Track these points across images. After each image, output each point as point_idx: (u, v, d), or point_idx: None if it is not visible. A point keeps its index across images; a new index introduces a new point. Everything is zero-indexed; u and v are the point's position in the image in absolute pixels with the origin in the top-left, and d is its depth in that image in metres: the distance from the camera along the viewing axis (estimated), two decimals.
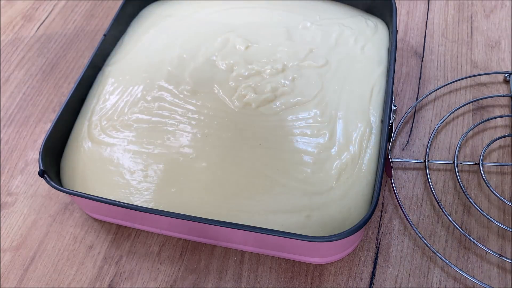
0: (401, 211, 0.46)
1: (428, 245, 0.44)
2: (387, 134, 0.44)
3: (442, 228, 0.46)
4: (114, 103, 0.51)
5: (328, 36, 0.56)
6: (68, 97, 0.49)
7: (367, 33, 0.56)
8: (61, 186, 0.45)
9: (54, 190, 0.49)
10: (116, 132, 0.49)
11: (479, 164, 0.48)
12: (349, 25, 0.57)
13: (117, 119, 0.50)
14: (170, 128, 0.49)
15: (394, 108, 0.47)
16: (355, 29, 0.56)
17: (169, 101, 0.51)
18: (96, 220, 0.48)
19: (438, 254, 0.43)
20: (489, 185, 0.47)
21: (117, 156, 0.47)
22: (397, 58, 0.59)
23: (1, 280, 0.45)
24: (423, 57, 0.59)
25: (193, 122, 0.49)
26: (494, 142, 0.50)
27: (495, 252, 0.43)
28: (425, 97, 0.55)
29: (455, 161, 0.48)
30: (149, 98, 0.51)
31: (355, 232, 0.39)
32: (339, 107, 0.49)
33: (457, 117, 0.53)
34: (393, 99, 0.47)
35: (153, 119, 0.50)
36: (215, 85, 0.52)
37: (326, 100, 0.50)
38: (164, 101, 0.51)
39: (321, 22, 0.57)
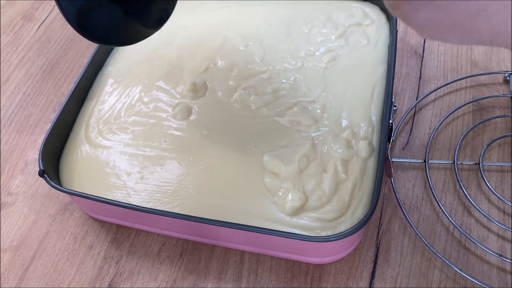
0: (401, 211, 0.46)
1: (428, 245, 0.44)
2: (387, 134, 0.44)
3: (442, 228, 0.46)
4: (112, 105, 0.51)
5: (343, 21, 0.56)
6: (68, 97, 0.49)
7: (383, 20, 0.56)
8: (61, 186, 0.45)
9: (54, 190, 0.48)
10: (113, 135, 0.49)
11: (479, 164, 0.48)
12: (370, 7, 0.57)
13: (113, 122, 0.50)
14: (167, 130, 0.49)
15: (394, 108, 0.47)
16: (376, 12, 0.56)
17: (167, 102, 0.51)
18: (96, 220, 0.48)
19: (438, 254, 0.43)
20: (489, 185, 0.47)
21: (113, 158, 0.47)
22: (397, 58, 0.59)
23: (1, 280, 0.45)
24: (423, 57, 0.59)
25: (191, 124, 0.49)
26: (494, 142, 0.50)
27: (495, 252, 0.43)
28: (425, 97, 0.55)
29: (455, 161, 0.48)
30: (146, 100, 0.51)
31: (355, 232, 0.39)
32: (343, 107, 0.48)
33: (457, 117, 0.53)
34: (393, 99, 0.47)
35: (150, 121, 0.50)
36: (214, 86, 0.52)
37: (330, 100, 0.49)
38: (162, 102, 0.51)
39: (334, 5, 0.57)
